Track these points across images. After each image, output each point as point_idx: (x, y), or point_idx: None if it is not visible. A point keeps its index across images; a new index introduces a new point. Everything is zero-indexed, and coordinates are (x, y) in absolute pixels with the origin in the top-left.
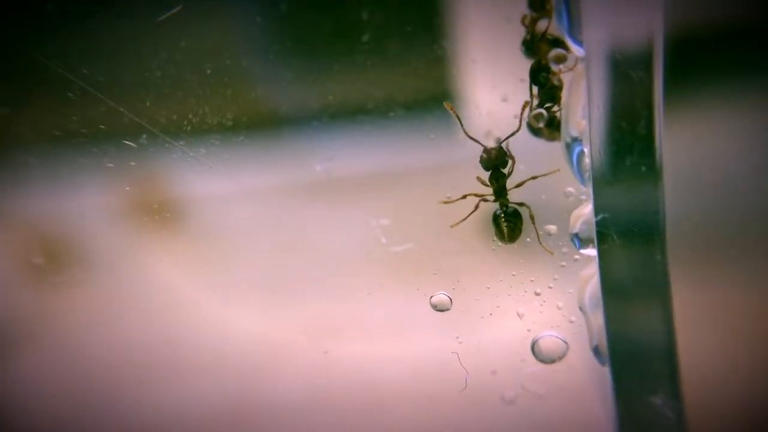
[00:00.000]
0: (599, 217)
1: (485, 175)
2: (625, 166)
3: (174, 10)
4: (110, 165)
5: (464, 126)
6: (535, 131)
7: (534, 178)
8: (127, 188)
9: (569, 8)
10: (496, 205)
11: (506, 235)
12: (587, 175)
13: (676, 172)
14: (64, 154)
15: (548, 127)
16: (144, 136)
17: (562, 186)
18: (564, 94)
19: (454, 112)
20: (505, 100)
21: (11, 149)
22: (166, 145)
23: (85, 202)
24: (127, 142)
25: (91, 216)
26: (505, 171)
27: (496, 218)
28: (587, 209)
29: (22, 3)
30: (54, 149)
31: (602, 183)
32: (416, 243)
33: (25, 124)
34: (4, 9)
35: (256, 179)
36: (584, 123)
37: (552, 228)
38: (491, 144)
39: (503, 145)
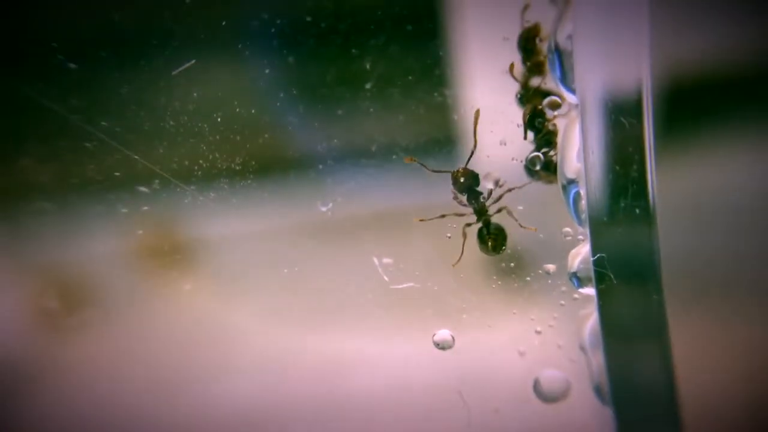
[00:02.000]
0: (596, 256)
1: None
2: (619, 207)
3: (188, 64)
4: (124, 210)
5: (426, 167)
6: (532, 174)
7: (510, 190)
8: (140, 232)
9: (561, 59)
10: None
11: (491, 247)
12: (584, 216)
13: (671, 210)
14: (81, 200)
15: (545, 170)
16: (157, 181)
17: (559, 226)
18: (559, 139)
19: (416, 161)
20: (503, 143)
21: (31, 197)
22: (178, 189)
23: (99, 247)
24: (140, 188)
25: (105, 260)
26: (479, 189)
27: (480, 235)
28: (585, 249)
29: (46, 62)
30: (71, 196)
31: (599, 224)
32: (418, 281)
33: (45, 173)
34: (31, 69)
35: (264, 221)
36: (580, 166)
37: (551, 267)
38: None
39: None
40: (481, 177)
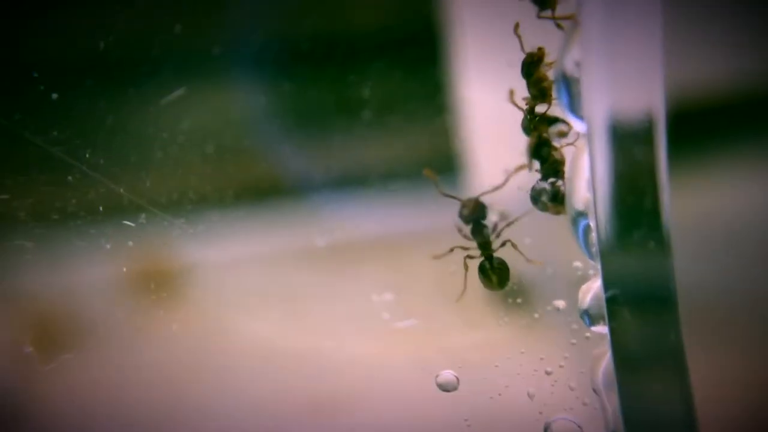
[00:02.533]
0: (609, 293)
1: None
2: (632, 240)
3: (177, 93)
4: (108, 246)
5: (439, 187)
6: (539, 205)
7: (510, 224)
8: (125, 269)
9: (568, 85)
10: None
11: (496, 283)
12: (595, 249)
13: (685, 240)
14: (61, 236)
15: (553, 201)
16: (143, 215)
17: (569, 260)
18: (567, 169)
19: (434, 177)
20: (508, 171)
21: (8, 234)
22: (166, 223)
23: (81, 284)
24: (126, 222)
25: (88, 297)
26: (486, 222)
27: (483, 269)
28: (596, 284)
29: (26, 92)
30: (51, 232)
31: (610, 257)
32: (420, 318)
33: (24, 209)
34: (10, 100)
35: (257, 255)
36: (589, 197)
37: (560, 303)
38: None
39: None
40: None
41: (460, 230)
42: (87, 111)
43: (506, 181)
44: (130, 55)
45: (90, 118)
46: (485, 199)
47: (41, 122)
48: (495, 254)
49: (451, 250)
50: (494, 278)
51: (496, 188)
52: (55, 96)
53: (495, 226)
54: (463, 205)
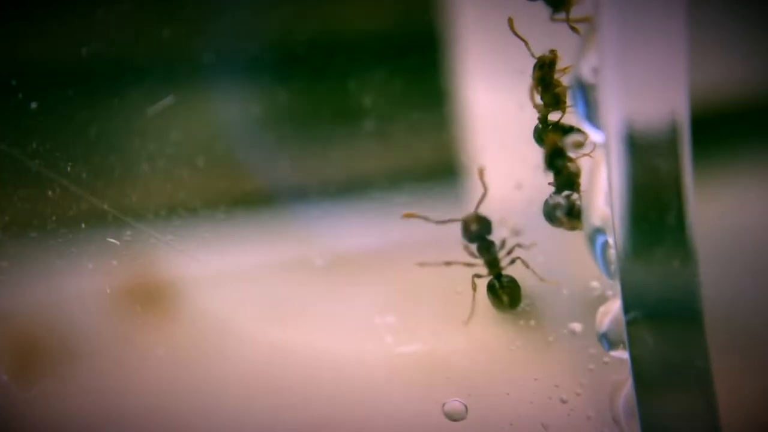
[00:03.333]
0: (629, 316)
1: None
2: (655, 258)
3: (165, 102)
4: (90, 266)
5: (429, 219)
6: (554, 220)
7: (520, 245)
8: (108, 290)
9: (585, 93)
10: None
11: (506, 303)
12: (613, 268)
13: (712, 257)
14: (40, 255)
15: (568, 216)
16: (128, 232)
17: (586, 279)
18: (583, 181)
19: (417, 216)
20: (518, 187)
21: None
22: (152, 240)
23: (61, 306)
24: (110, 240)
25: (69, 320)
26: (491, 238)
27: (492, 288)
28: (615, 306)
29: (3, 102)
30: (28, 251)
31: (631, 277)
32: (426, 343)
33: None
34: None
35: (251, 270)
36: (607, 211)
37: (577, 326)
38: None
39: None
40: (494, 224)
41: (466, 248)
42: (68, 122)
43: (486, 187)
44: (115, 62)
45: (71, 130)
46: (488, 214)
47: (19, 134)
48: (505, 272)
49: (448, 263)
50: (504, 298)
51: (484, 196)
52: (34, 105)
53: (504, 242)
54: (464, 223)
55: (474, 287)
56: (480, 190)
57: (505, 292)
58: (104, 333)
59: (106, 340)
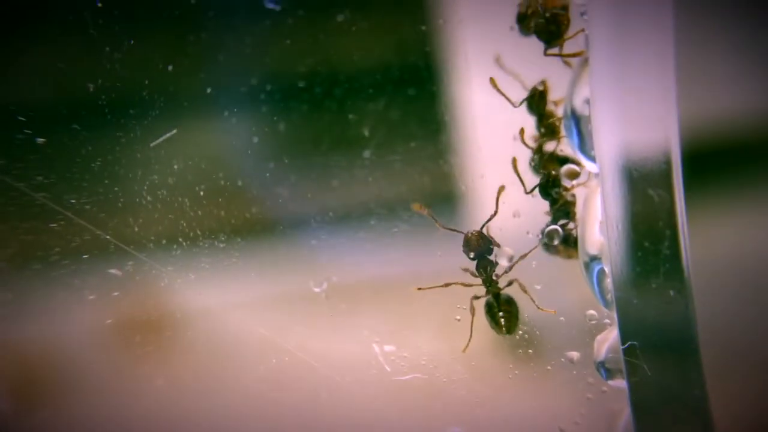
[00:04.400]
0: (626, 345)
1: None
2: (650, 288)
3: (168, 135)
4: (91, 297)
5: (437, 221)
6: (550, 249)
7: (523, 256)
8: (109, 321)
9: (578, 124)
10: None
11: (503, 327)
12: (610, 296)
13: (707, 286)
14: (43, 287)
15: (564, 244)
16: (130, 263)
17: (583, 308)
18: (579, 210)
19: (426, 212)
20: (516, 215)
21: None
22: (153, 271)
23: (62, 337)
24: (111, 271)
25: (69, 351)
26: (492, 258)
27: (490, 309)
28: (613, 334)
29: (11, 138)
30: (32, 283)
31: (627, 306)
32: (424, 371)
33: (3, 260)
34: None
35: (250, 304)
36: (602, 240)
37: (574, 355)
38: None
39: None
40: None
41: (465, 270)
42: (74, 156)
43: (498, 206)
44: (120, 97)
45: (77, 163)
46: (493, 236)
47: (26, 168)
48: (503, 293)
49: (446, 285)
50: (503, 320)
51: (492, 216)
52: (41, 141)
53: (508, 269)
54: (466, 239)
55: (472, 312)
56: (490, 210)
57: (503, 315)
58: (104, 364)
59: (106, 371)
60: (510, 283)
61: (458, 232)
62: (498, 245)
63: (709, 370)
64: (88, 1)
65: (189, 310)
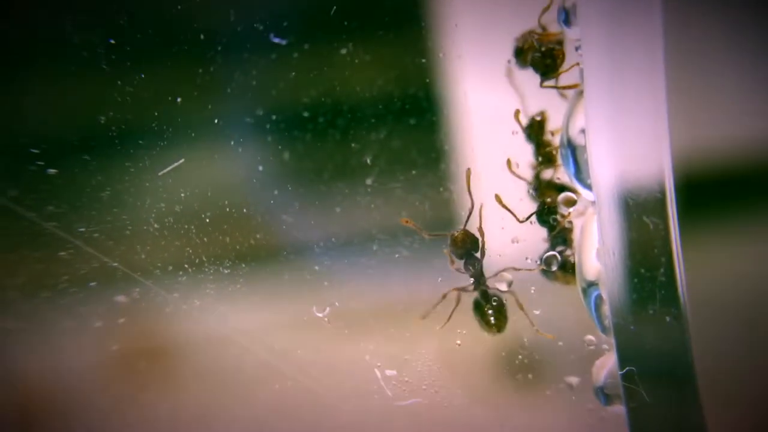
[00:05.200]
0: (625, 370)
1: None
2: (647, 314)
3: (176, 164)
4: (98, 324)
5: (422, 230)
6: (548, 275)
7: (516, 269)
8: (115, 348)
9: (574, 153)
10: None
11: (492, 326)
12: (608, 322)
13: (703, 312)
14: (51, 315)
15: (562, 270)
16: (137, 290)
17: (581, 333)
18: (576, 237)
19: (412, 224)
20: (515, 241)
21: None
22: (159, 298)
23: (69, 364)
24: (118, 298)
25: (76, 378)
26: (478, 255)
27: (478, 307)
28: (611, 360)
29: (23, 169)
30: (40, 312)
31: (625, 332)
32: (425, 396)
33: (13, 289)
34: (6, 177)
35: (254, 329)
36: (600, 267)
37: (573, 380)
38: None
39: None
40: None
41: (452, 263)
42: (84, 186)
43: (472, 198)
44: (130, 128)
45: (87, 192)
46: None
47: (38, 198)
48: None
49: (444, 296)
50: (490, 318)
51: (469, 215)
52: (52, 171)
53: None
54: (452, 238)
55: (457, 300)
56: (474, 210)
57: (492, 314)
58: (109, 390)
59: (111, 398)
60: (498, 273)
61: (444, 235)
62: (484, 243)
63: (707, 396)
64: (101, 38)
65: (193, 336)
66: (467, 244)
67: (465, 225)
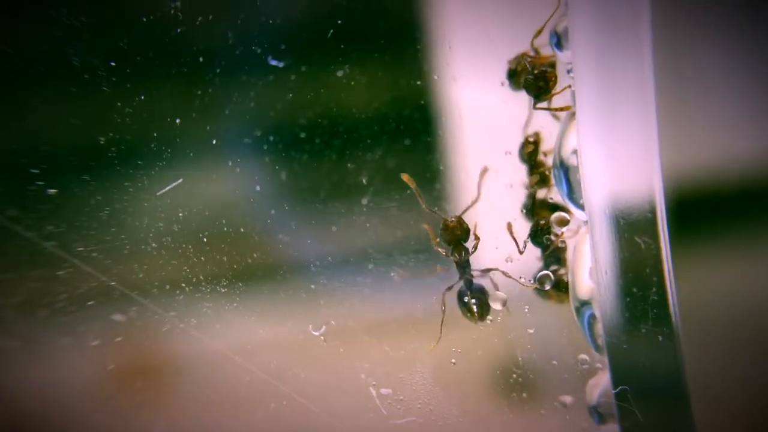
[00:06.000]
0: (618, 389)
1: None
2: (640, 333)
3: (174, 184)
4: (95, 343)
5: (422, 199)
6: (542, 294)
7: (505, 274)
8: (112, 366)
9: (567, 174)
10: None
11: (474, 314)
12: (601, 341)
13: (695, 331)
14: (48, 334)
15: (555, 289)
16: (134, 308)
17: (574, 352)
18: (569, 256)
19: (414, 185)
20: (509, 260)
21: None
22: (156, 317)
23: (65, 383)
24: (115, 317)
25: (72, 396)
26: (468, 246)
27: (461, 296)
28: (605, 379)
29: (23, 189)
30: (38, 330)
31: (618, 351)
32: (420, 415)
33: (11, 308)
34: (6, 197)
35: (249, 347)
36: (593, 286)
37: (567, 399)
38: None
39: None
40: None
41: (435, 242)
42: (82, 205)
43: (480, 191)
44: (129, 149)
45: (85, 212)
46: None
47: (37, 217)
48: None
49: (431, 271)
50: (474, 307)
51: (474, 202)
52: (52, 191)
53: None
54: (445, 223)
55: (443, 306)
56: (472, 196)
57: (475, 303)
58: (106, 409)
59: (107, 416)
60: (488, 270)
61: (440, 215)
62: (477, 236)
63: (701, 415)
64: (102, 60)
65: (190, 355)
66: (458, 233)
67: (462, 214)
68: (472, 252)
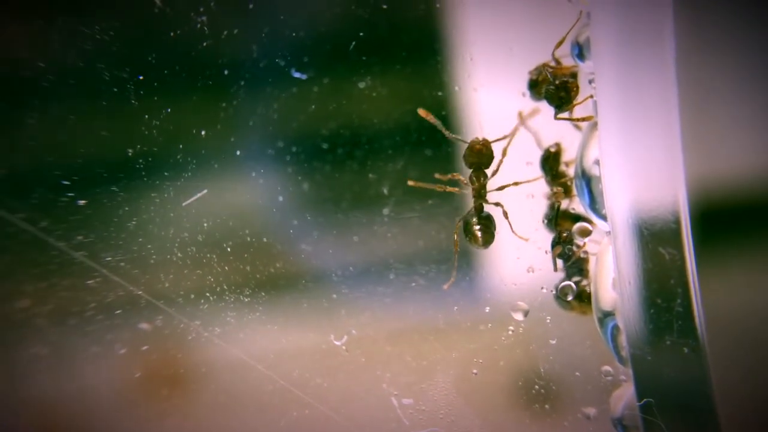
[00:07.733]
0: (643, 402)
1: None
2: (665, 345)
3: (199, 194)
4: (122, 351)
5: (444, 129)
6: (564, 305)
7: (516, 184)
8: (138, 374)
9: (589, 184)
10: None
11: (479, 240)
12: (625, 353)
13: (722, 342)
14: (77, 342)
15: (578, 300)
16: (160, 317)
17: (598, 363)
18: (592, 267)
19: (432, 118)
20: (530, 271)
21: (25, 341)
22: (182, 326)
23: (93, 390)
24: (142, 325)
25: (99, 403)
26: (488, 172)
27: (467, 223)
28: (629, 391)
29: (54, 200)
30: (67, 338)
31: (642, 363)
32: (442, 425)
33: (42, 316)
34: (38, 207)
35: (272, 356)
36: (616, 297)
37: (591, 411)
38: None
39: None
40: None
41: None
42: (111, 216)
43: (517, 128)
44: (156, 161)
45: (114, 222)
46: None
47: (68, 228)
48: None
49: (441, 188)
50: (479, 234)
51: (514, 132)
52: (82, 203)
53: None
54: (471, 144)
55: (456, 247)
56: (509, 136)
57: (480, 228)
58: (131, 417)
59: (133, 424)
60: (497, 204)
61: (464, 141)
62: (502, 161)
63: (728, 427)
64: (131, 75)
65: (213, 364)
66: (482, 157)
67: (492, 141)
68: (495, 172)
